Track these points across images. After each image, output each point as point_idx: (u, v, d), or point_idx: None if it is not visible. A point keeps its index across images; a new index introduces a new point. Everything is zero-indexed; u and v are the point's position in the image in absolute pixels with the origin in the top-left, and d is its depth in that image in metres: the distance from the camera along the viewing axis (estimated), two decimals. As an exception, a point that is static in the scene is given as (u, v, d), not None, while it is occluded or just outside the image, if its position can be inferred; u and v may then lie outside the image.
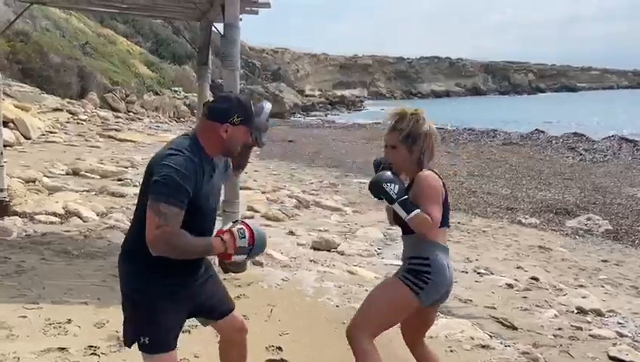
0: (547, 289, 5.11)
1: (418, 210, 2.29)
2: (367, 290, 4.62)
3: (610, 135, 17.48)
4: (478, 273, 5.51)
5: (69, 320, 3.49)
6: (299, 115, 35.11)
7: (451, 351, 3.46)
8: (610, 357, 3.57)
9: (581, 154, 15.72)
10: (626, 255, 6.92)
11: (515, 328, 3.98)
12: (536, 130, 19.84)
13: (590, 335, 3.94)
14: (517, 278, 5.38)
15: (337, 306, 4.08)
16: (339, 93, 52.87)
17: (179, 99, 23.86)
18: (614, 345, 3.77)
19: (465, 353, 3.45)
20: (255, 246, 2.08)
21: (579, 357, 3.57)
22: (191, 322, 2.40)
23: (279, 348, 3.31)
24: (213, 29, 6.14)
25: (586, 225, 8.11)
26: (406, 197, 2.32)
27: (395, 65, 66.21)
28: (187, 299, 2.17)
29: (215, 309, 2.32)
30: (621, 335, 4.02)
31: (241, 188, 9.67)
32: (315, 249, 5.87)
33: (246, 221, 2.21)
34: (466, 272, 5.49)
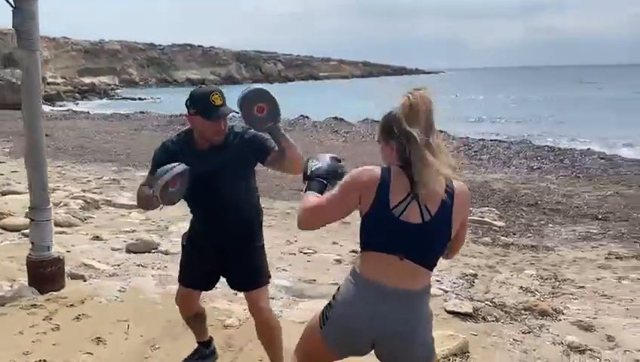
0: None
1: (309, 193, 1.93)
2: (217, 287, 4.40)
3: (364, 118, 19.67)
4: (305, 253, 5.68)
5: None
6: (44, 105, 31.14)
7: (326, 332, 3.51)
8: (448, 311, 4.06)
9: (344, 136, 17.33)
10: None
11: (364, 300, 4.22)
12: (301, 115, 21.17)
13: (424, 295, 4.41)
14: (339, 253, 5.70)
15: (196, 309, 3.77)
16: (87, 80, 48.58)
17: None
18: (445, 300, 4.29)
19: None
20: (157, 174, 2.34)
21: (425, 315, 3.96)
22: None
23: (155, 366, 2.93)
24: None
25: (372, 198, 9.00)
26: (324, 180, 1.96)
27: (147, 52, 63.62)
28: (209, 259, 2.66)
29: (234, 281, 2.75)
30: (444, 291, 4.59)
31: (5, 194, 8.26)
32: (132, 252, 5.31)
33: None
34: (294, 254, 5.61)
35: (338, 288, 1.90)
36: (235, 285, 2.77)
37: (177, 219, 7.16)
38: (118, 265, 4.75)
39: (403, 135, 1.73)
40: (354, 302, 1.80)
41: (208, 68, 68.27)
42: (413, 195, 1.73)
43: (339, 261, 5.36)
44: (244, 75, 72.09)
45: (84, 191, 9.01)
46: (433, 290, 4.51)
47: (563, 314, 4.10)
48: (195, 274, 2.75)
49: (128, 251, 5.31)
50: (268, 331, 2.69)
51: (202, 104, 2.39)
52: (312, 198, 1.87)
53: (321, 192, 1.90)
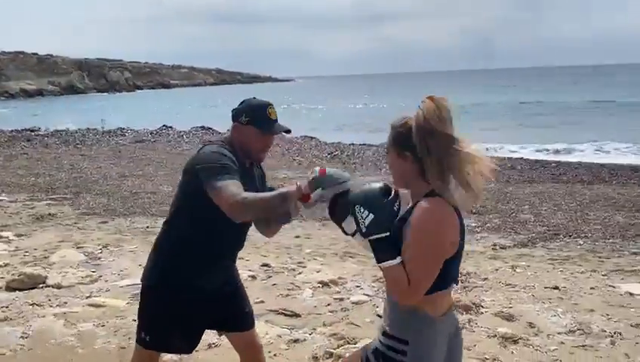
0: (283, 272, 5.39)
1: (396, 261, 1.58)
2: (134, 321, 3.94)
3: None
4: (214, 272, 5.38)
5: None
6: None
7: (274, 355, 3.34)
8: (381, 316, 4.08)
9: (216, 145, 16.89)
10: (306, 229, 7.87)
11: (298, 315, 4.10)
12: (164, 125, 20.19)
13: (352, 303, 4.40)
14: (251, 268, 5.49)
15: (124, 347, 3.35)
16: None
17: None
18: (375, 306, 4.32)
19: (287, 353, 3.38)
20: (328, 175, 1.86)
21: (362, 324, 3.95)
22: None
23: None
24: None
25: (262, 208, 8.84)
26: (386, 234, 1.60)
27: (-30, 60, 56.40)
28: (201, 307, 2.22)
29: (229, 324, 2.37)
30: (369, 296, 4.61)
31: None
32: (16, 289, 4.59)
33: None
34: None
35: (398, 340, 1.67)
36: (235, 327, 2.39)
37: (53, 247, 6.40)
38: (7, 307, 4.07)
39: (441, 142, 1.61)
40: (433, 345, 1.67)
41: (46, 77, 62.39)
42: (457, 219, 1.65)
43: (254, 277, 5.15)
44: (87, 85, 67.20)
45: None
46: (358, 297, 4.55)
47: (482, 307, 4.34)
48: (188, 332, 2.24)
49: (11, 289, 4.58)
50: None
51: (259, 115, 2.18)
52: (403, 272, 1.58)
53: (397, 252, 1.60)
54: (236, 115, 2.23)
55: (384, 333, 1.71)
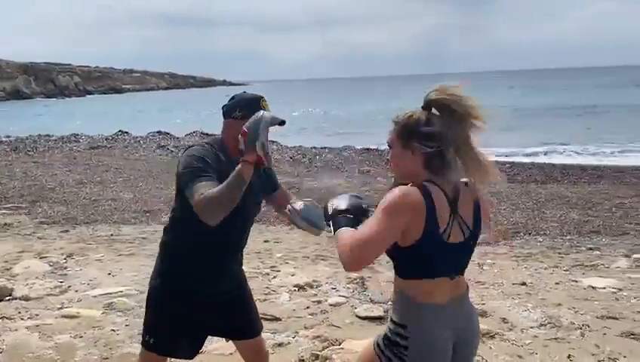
0: (257, 277, 5.38)
1: (347, 228, 1.73)
2: (113, 331, 3.86)
3: (192, 131, 19.10)
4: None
5: None
6: None
7: (260, 359, 3.33)
8: (362, 317, 4.14)
9: (172, 151, 16.59)
10: (274, 232, 7.87)
11: (278, 319, 4.11)
12: (120, 131, 19.70)
13: (330, 305, 4.45)
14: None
15: (106, 358, 3.29)
16: None
17: None
18: (353, 306, 4.38)
19: (273, 357, 3.35)
20: (248, 129, 1.96)
21: (342, 325, 4.01)
22: None
23: None
24: None
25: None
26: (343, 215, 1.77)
27: None
28: (204, 311, 2.21)
29: (236, 331, 2.35)
30: (345, 297, 4.67)
31: None
32: (-20, 303, 4.42)
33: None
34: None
35: (398, 325, 1.74)
36: (240, 334, 2.37)
37: (14, 258, 6.18)
38: (-26, 322, 3.91)
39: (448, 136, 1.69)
40: (431, 332, 1.71)
41: (-11, 81, 59.88)
42: (453, 214, 1.70)
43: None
44: (34, 90, 64.82)
45: None
46: (335, 299, 4.61)
47: (456, 304, 4.46)
48: (191, 335, 2.24)
49: (-26, 302, 4.40)
50: None
51: (253, 108, 2.10)
52: (352, 233, 1.68)
53: (354, 226, 1.73)
54: (228, 110, 2.17)
55: (390, 319, 1.79)
